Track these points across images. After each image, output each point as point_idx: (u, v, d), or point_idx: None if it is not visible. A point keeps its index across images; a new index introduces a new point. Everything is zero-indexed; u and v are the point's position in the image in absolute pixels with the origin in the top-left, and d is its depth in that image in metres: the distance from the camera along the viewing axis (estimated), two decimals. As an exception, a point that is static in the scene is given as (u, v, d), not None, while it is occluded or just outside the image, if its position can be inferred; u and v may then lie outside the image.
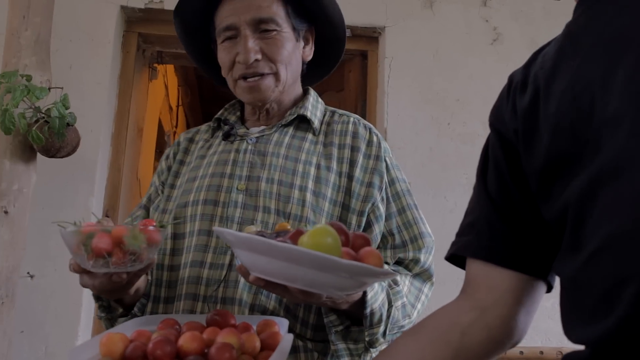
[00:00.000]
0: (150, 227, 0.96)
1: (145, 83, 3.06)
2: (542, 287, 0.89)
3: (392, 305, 1.11)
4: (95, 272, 0.94)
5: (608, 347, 0.65)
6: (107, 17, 2.75)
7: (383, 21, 2.90)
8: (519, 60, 3.03)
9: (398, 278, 1.18)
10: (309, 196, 1.19)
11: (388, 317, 1.11)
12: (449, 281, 2.59)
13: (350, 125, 1.31)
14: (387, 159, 1.30)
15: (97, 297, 1.17)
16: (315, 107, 1.35)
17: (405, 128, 2.80)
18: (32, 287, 2.48)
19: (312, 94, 1.38)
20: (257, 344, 0.86)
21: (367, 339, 1.10)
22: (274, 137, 1.29)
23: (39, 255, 2.46)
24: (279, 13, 1.27)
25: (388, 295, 1.12)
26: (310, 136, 1.30)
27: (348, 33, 2.90)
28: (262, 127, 1.33)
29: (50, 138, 2.11)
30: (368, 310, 1.06)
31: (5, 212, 2.11)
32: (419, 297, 1.22)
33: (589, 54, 0.74)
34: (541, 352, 1.93)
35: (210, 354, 0.75)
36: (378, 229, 1.22)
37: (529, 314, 0.88)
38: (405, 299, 1.17)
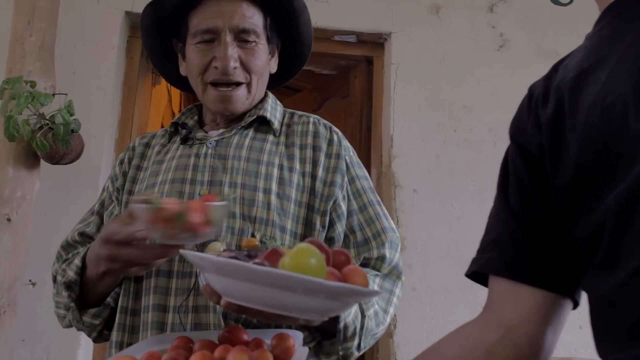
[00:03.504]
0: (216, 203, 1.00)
1: (149, 89, 3.04)
2: (569, 304, 0.86)
3: (365, 316, 1.09)
4: (148, 245, 1.00)
5: None
6: (112, 22, 2.74)
7: (389, 27, 2.90)
8: (526, 66, 3.03)
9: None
10: (273, 199, 1.17)
11: (362, 328, 1.09)
12: (455, 290, 2.59)
13: (311, 126, 1.30)
14: (347, 158, 1.28)
15: (68, 286, 1.16)
16: (274, 109, 1.33)
17: (412, 135, 2.80)
18: (34, 295, 2.45)
19: (271, 96, 1.37)
20: (270, 360, 0.83)
21: (340, 353, 1.08)
22: (234, 139, 1.26)
23: (41, 262, 2.40)
24: (259, 24, 1.27)
25: (360, 305, 1.10)
26: (271, 137, 1.28)
27: (353, 39, 2.94)
28: (222, 130, 1.30)
29: (55, 145, 2.10)
30: (342, 325, 1.04)
31: (8, 220, 2.09)
32: (390, 300, 1.19)
33: (619, 66, 0.72)
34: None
35: (223, 375, 0.72)
36: (340, 228, 1.21)
37: (555, 332, 0.86)
38: (376, 306, 1.15)
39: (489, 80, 2.85)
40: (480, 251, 0.92)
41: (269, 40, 1.30)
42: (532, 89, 0.91)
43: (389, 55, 2.91)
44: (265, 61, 1.29)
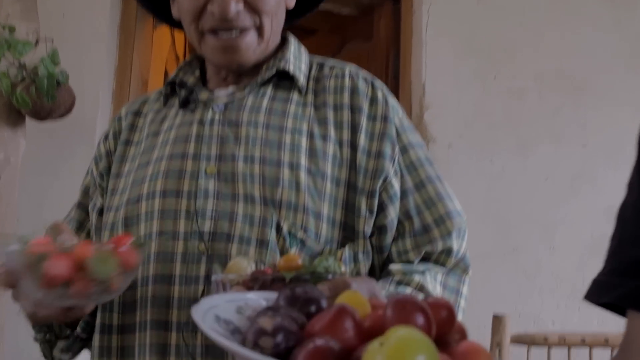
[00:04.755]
0: (124, 248, 0.78)
1: (149, 31, 2.85)
2: None
3: None
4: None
5: None
6: (104, -44, 2.52)
7: (420, -41, 2.67)
8: (577, 4, 2.65)
9: (429, 285, 0.95)
10: (303, 176, 0.96)
11: None
12: (494, 256, 2.36)
13: (347, 80, 1.06)
14: (397, 120, 1.05)
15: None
16: (298, 59, 1.08)
17: (446, 83, 2.61)
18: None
19: (293, 42, 1.12)
20: None
21: None
22: (248, 101, 1.04)
23: (32, 233, 2.23)
24: None
25: None
26: (295, 96, 1.05)
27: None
28: (231, 89, 1.07)
29: (39, 100, 1.89)
30: None
31: (-9, 186, 1.93)
32: (457, 302, 1.01)
33: None
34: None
35: None
36: (394, 213, 1.00)
37: None
38: None
39: (533, 20, 2.62)
40: (619, 272, 0.63)
41: None
42: None
43: (419, -8, 2.69)
44: None
